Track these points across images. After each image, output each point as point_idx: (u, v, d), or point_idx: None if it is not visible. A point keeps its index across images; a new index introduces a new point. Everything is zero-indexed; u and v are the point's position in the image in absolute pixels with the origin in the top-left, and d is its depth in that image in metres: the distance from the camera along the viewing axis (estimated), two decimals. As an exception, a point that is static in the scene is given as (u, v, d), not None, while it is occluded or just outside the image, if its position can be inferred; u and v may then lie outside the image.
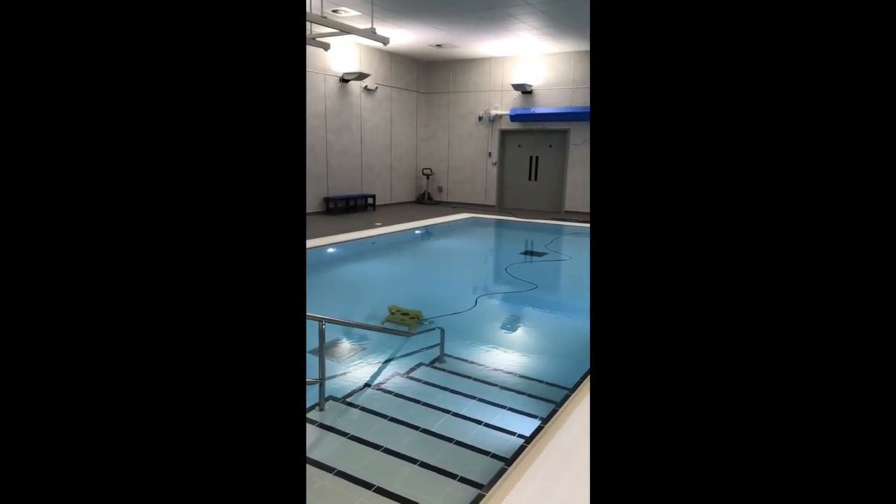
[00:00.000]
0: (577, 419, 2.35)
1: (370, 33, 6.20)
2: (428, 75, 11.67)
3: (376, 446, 2.19)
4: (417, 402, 2.63)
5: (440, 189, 12.02)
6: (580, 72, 10.04)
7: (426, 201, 11.79)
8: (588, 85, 10.00)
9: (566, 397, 2.58)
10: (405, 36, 9.00)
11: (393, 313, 4.02)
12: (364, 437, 2.26)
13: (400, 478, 1.98)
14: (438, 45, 9.71)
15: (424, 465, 2.07)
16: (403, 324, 3.86)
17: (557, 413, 2.41)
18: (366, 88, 10.17)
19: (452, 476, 1.99)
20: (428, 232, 8.35)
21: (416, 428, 2.36)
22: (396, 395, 2.72)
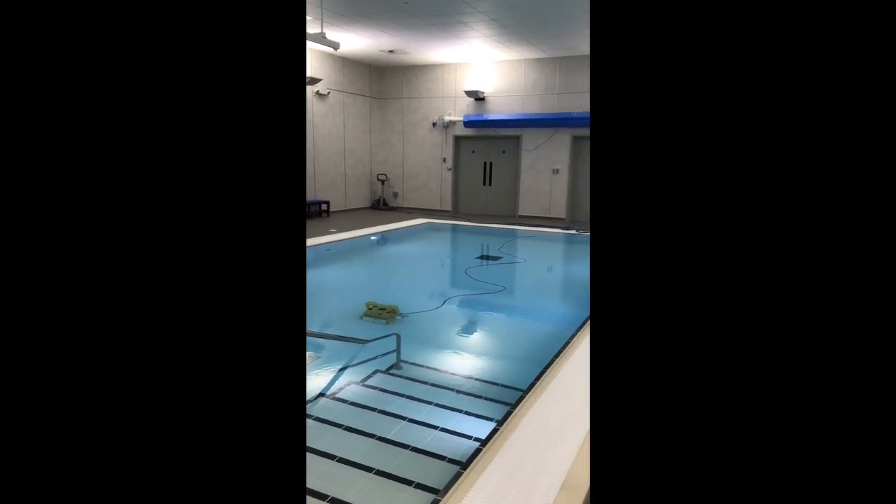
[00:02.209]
0: (531, 420, 2.39)
1: (320, 38, 6.13)
2: (381, 81, 11.64)
3: (330, 456, 2.15)
4: (373, 409, 2.61)
5: (395, 195, 11.98)
6: (531, 79, 10.27)
7: (381, 207, 11.73)
8: (538, 92, 10.23)
9: (520, 399, 2.62)
10: (356, 41, 8.95)
11: (370, 308, 4.15)
12: (318, 447, 2.22)
13: (355, 487, 1.96)
14: (391, 51, 9.71)
15: (380, 472, 2.05)
16: (381, 318, 3.99)
17: (512, 415, 2.44)
18: (318, 93, 10.04)
19: (408, 483, 1.99)
20: (384, 237, 8.30)
21: (371, 436, 2.34)
22: (351, 403, 2.69)
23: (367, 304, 4.29)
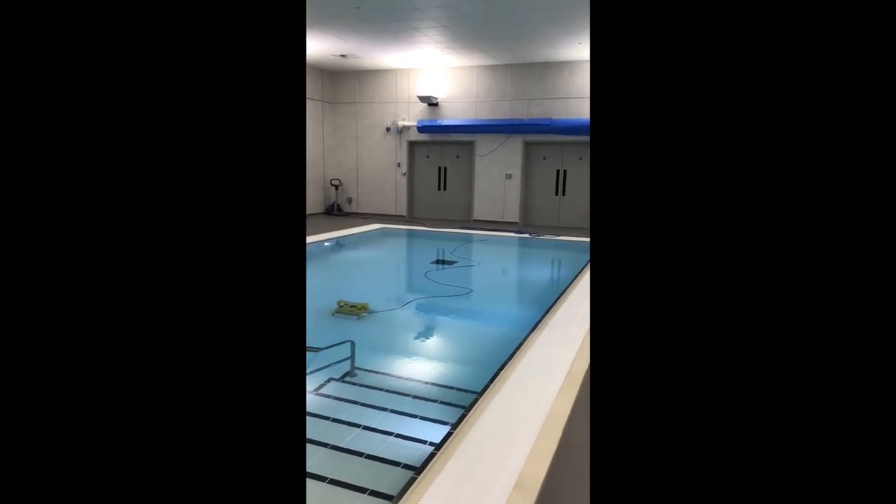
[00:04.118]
0: (485, 422, 2.43)
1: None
2: (333, 85, 11.52)
3: (283, 468, 2.11)
4: (326, 418, 2.57)
5: (350, 200, 11.87)
6: (483, 85, 10.41)
7: (335, 212, 11.58)
8: (491, 98, 10.39)
9: (474, 401, 2.65)
10: (307, 45, 8.83)
11: (341, 306, 4.28)
12: (270, 459, 2.17)
13: (308, 498, 1.93)
14: (342, 55, 9.62)
15: (334, 481, 2.03)
16: (352, 314, 4.19)
17: (466, 418, 2.47)
18: (268, 97, 9.82)
19: (363, 490, 1.97)
20: (338, 243, 8.20)
21: (324, 445, 2.30)
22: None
23: (339, 302, 4.37)
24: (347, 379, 3.11)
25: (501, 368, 3.10)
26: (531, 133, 10.11)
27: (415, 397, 2.86)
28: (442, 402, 2.79)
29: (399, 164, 11.36)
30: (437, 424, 2.51)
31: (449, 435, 2.32)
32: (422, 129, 10.79)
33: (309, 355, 3.41)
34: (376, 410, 2.67)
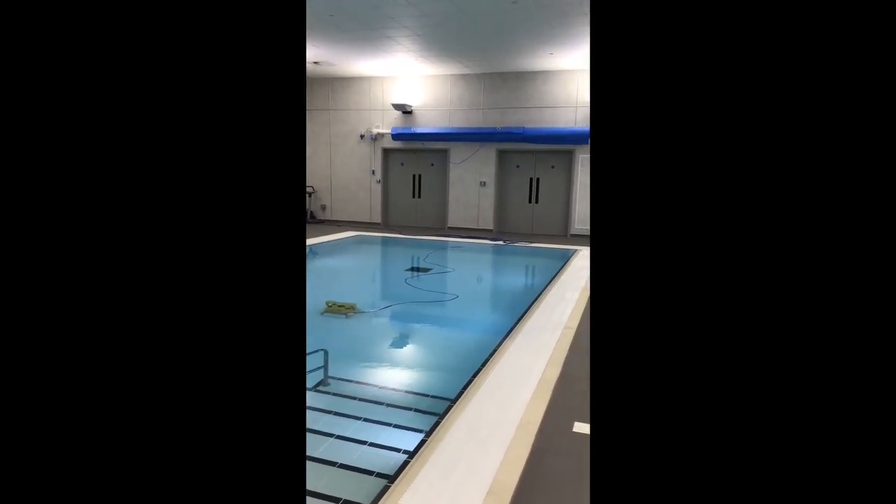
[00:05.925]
0: (458, 429, 2.44)
1: (241, 48, 5.96)
2: (307, 92, 11.45)
3: (254, 480, 2.08)
4: (299, 428, 2.55)
5: (324, 207, 11.78)
6: (457, 94, 10.49)
7: (309, 220, 11.48)
8: (464, 107, 10.47)
9: (448, 408, 2.66)
10: (281, 51, 8.76)
11: (330, 306, 4.42)
12: (240, 472, 2.14)
13: (280, 510, 1.91)
14: (315, 63, 9.59)
15: (307, 492, 2.01)
16: (341, 313, 4.35)
17: (440, 425, 2.48)
18: (239, 104, 9.70)
19: (335, 500, 1.96)
20: (312, 251, 8.12)
21: (297, 456, 2.28)
22: (277, 423, 2.61)
23: (327, 303, 4.48)
24: (320, 388, 3.09)
25: (475, 375, 3.12)
26: (504, 142, 10.22)
27: (388, 405, 2.85)
28: (416, 410, 2.80)
29: (373, 172, 11.34)
30: (411, 432, 2.51)
31: (422, 443, 2.32)
32: (396, 136, 10.80)
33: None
34: (350, 419, 2.66)
